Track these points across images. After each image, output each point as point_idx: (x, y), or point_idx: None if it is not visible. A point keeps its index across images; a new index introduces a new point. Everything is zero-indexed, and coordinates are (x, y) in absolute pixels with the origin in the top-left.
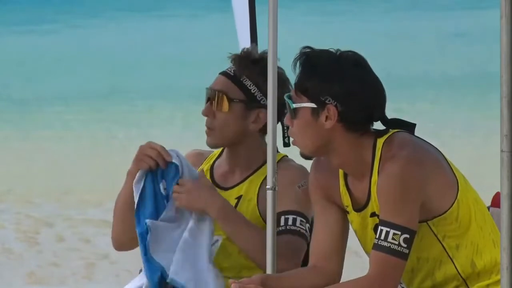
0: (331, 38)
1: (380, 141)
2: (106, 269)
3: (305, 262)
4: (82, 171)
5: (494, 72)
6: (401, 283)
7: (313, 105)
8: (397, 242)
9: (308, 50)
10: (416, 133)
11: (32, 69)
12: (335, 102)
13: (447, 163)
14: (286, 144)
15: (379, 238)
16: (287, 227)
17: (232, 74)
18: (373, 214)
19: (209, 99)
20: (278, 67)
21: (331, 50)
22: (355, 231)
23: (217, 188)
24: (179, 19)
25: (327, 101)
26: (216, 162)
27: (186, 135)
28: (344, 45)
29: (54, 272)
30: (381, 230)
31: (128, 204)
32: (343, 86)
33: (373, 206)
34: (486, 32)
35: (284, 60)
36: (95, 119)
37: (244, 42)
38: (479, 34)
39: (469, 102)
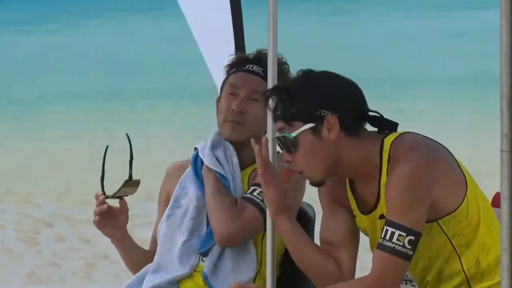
0: (331, 39)
1: (387, 142)
2: (106, 269)
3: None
4: (82, 171)
5: (494, 72)
6: (411, 281)
7: (311, 124)
8: (401, 243)
9: (273, 87)
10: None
11: (32, 69)
12: (330, 112)
13: (455, 161)
14: None
15: (384, 238)
16: (244, 195)
17: (264, 74)
18: (382, 216)
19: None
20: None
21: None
22: (364, 232)
23: None
24: (179, 19)
25: (322, 114)
26: None
27: (186, 136)
28: (344, 45)
29: (54, 272)
30: (387, 230)
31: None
32: (327, 93)
33: (383, 208)
34: (486, 32)
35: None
36: (95, 119)
37: (209, 48)
38: (479, 34)
39: (469, 102)
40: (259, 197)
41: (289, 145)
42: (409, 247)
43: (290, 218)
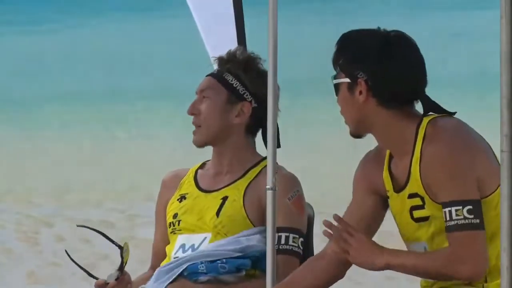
0: (331, 38)
1: (426, 120)
2: (106, 269)
3: None
4: (82, 171)
5: (494, 72)
6: None
7: (348, 80)
8: (462, 216)
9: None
10: None
11: (32, 69)
12: (366, 77)
13: (492, 150)
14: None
15: (446, 221)
16: (280, 247)
17: (215, 72)
18: (411, 196)
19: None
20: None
21: (372, 28)
22: (394, 217)
23: (202, 192)
24: (179, 19)
25: (358, 76)
26: (200, 171)
27: (187, 136)
28: None
29: (54, 272)
30: (445, 213)
31: None
32: (374, 61)
33: (413, 186)
34: (486, 32)
35: (284, 60)
36: (95, 119)
37: (214, 44)
38: (479, 34)
39: (469, 102)
40: (294, 244)
41: (334, 87)
42: (471, 216)
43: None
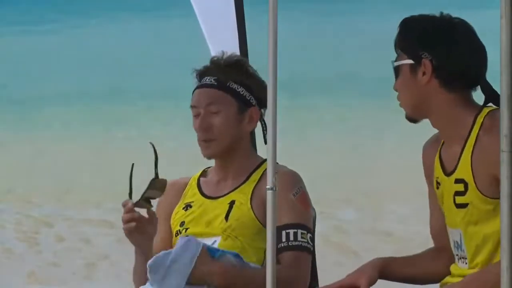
0: (331, 38)
1: (486, 110)
2: (107, 269)
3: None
4: (82, 171)
5: (494, 72)
6: (465, 258)
7: (410, 61)
8: None
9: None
10: (417, 132)
11: (32, 69)
12: (431, 57)
13: None
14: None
15: None
16: (289, 243)
17: (216, 83)
18: (457, 181)
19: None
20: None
21: (432, 14)
22: (441, 205)
23: (207, 199)
24: (179, 19)
25: (423, 56)
26: (202, 179)
27: (186, 136)
28: (344, 45)
29: (54, 272)
30: None
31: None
32: (439, 42)
33: (461, 171)
34: (486, 33)
35: (285, 60)
36: (95, 119)
37: (216, 44)
38: (479, 34)
39: None
40: (303, 239)
41: (394, 71)
42: None
43: None
